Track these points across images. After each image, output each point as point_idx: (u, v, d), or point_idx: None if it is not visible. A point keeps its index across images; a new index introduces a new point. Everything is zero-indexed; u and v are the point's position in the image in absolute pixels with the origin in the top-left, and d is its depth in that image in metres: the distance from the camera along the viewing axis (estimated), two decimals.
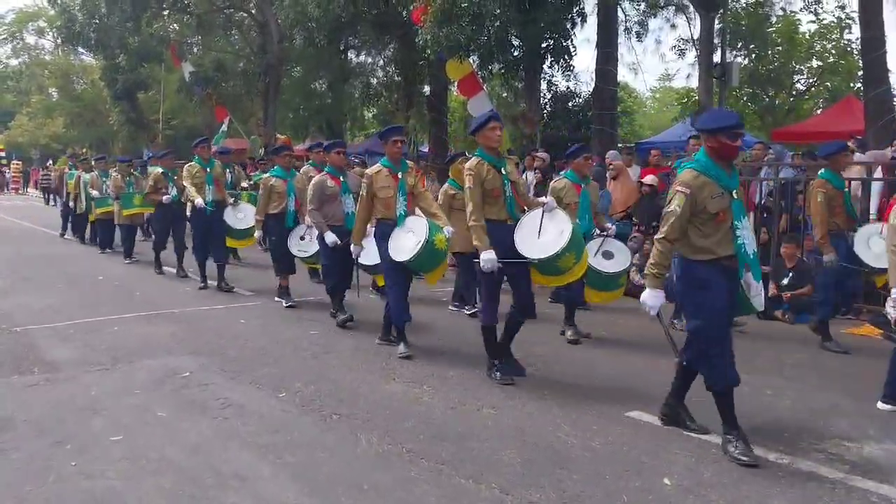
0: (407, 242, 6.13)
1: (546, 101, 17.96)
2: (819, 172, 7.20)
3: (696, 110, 16.32)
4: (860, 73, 16.58)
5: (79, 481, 3.70)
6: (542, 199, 5.69)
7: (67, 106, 44.02)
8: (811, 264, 8.00)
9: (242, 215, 9.66)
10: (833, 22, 21.26)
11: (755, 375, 5.78)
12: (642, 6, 19.15)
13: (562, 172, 7.82)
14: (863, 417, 4.78)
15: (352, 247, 6.65)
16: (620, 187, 10.33)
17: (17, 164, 42.88)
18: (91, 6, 26.14)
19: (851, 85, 20.11)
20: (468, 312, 8.10)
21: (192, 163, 9.56)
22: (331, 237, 7.22)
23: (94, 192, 13.43)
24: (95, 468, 3.85)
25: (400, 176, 6.33)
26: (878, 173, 9.09)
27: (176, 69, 27.96)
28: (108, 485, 3.67)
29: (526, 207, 5.70)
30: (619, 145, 15.64)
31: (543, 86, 17.49)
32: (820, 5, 18.56)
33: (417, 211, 6.49)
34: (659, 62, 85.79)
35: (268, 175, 8.69)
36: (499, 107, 17.83)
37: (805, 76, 24.08)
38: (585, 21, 16.48)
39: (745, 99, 23.30)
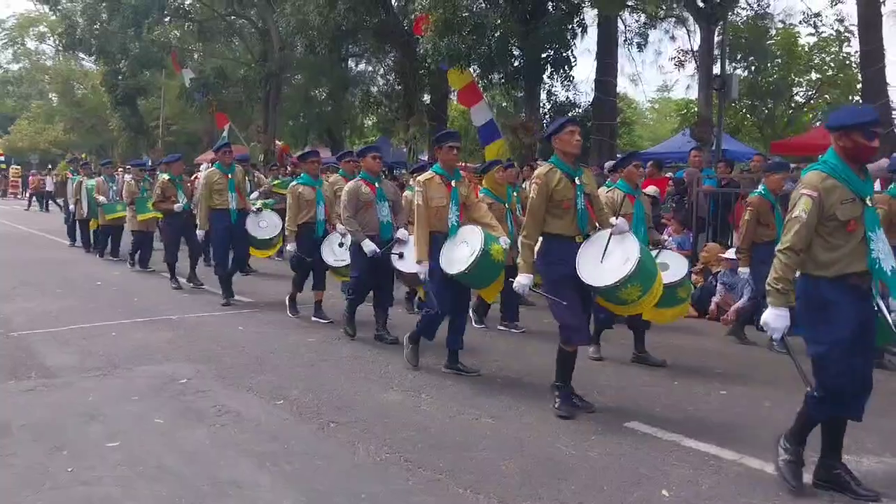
0: (460, 254, 5.70)
1: (546, 111, 18.00)
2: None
3: (694, 122, 16.33)
4: (859, 86, 16.67)
5: (75, 487, 3.69)
6: (613, 219, 5.17)
7: (68, 111, 44.09)
8: None
9: (265, 224, 9.20)
10: (832, 35, 21.34)
11: (754, 387, 5.79)
12: (642, 18, 19.25)
13: (608, 182, 7.65)
14: (861, 431, 4.75)
15: (418, 266, 5.96)
16: None
17: (16, 169, 42.86)
18: (92, 12, 26.23)
19: (850, 98, 20.15)
20: (517, 331, 7.73)
21: (213, 168, 9.14)
22: (370, 246, 6.81)
23: (102, 199, 12.91)
24: (92, 474, 3.83)
25: (453, 184, 5.95)
26: (877, 186, 9.10)
27: (177, 75, 28.03)
28: (105, 491, 3.65)
29: (598, 224, 5.20)
30: (618, 155, 15.69)
31: (543, 96, 17.55)
32: (819, 18, 18.61)
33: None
34: (658, 74, 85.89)
35: (295, 183, 8.11)
36: (498, 116, 17.84)
37: (804, 89, 24.17)
38: (586, 32, 16.59)
39: (744, 111, 23.38)
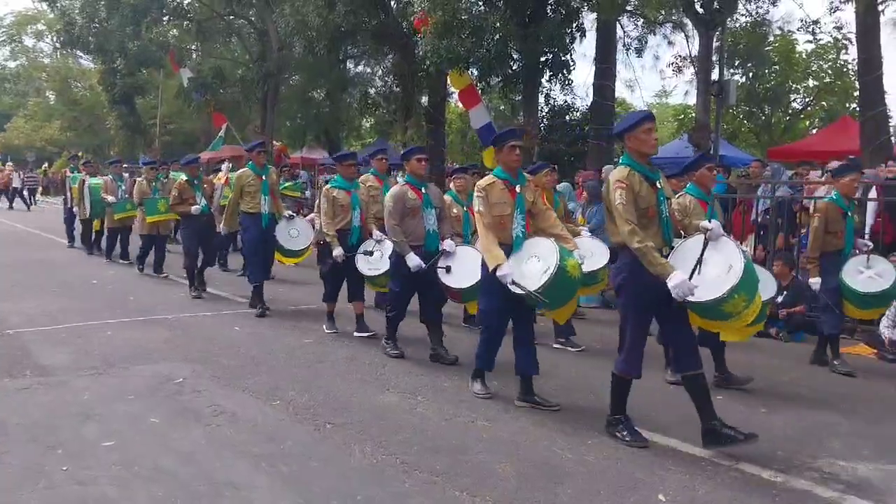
0: (531, 270, 5.00)
1: (544, 114, 18.02)
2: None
3: (692, 127, 16.39)
4: (856, 93, 16.73)
5: (71, 487, 3.67)
6: (705, 223, 4.62)
7: (65, 110, 44.02)
8: (805, 282, 8.01)
9: (296, 233, 8.55)
10: (829, 42, 21.41)
11: (750, 393, 5.79)
12: (641, 23, 19.30)
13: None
14: (857, 437, 4.78)
15: (500, 272, 4.98)
16: None
17: (10, 166, 42.75)
18: (91, 10, 26.24)
19: (847, 105, 20.25)
20: (575, 350, 7.14)
21: (245, 169, 8.53)
22: (414, 260, 6.24)
23: (110, 198, 12.40)
24: (88, 474, 3.82)
25: (518, 190, 5.25)
26: (873, 193, 9.14)
27: (175, 75, 28.02)
28: (100, 491, 3.64)
29: (682, 232, 4.72)
30: (615, 160, 15.72)
31: (541, 99, 17.56)
32: (817, 25, 18.68)
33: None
34: (656, 79, 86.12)
35: (329, 186, 7.46)
36: (497, 119, 17.86)
37: (801, 95, 24.26)
38: (584, 36, 16.62)
39: (741, 117, 23.45)
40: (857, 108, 14.99)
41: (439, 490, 3.78)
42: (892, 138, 12.87)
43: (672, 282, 4.16)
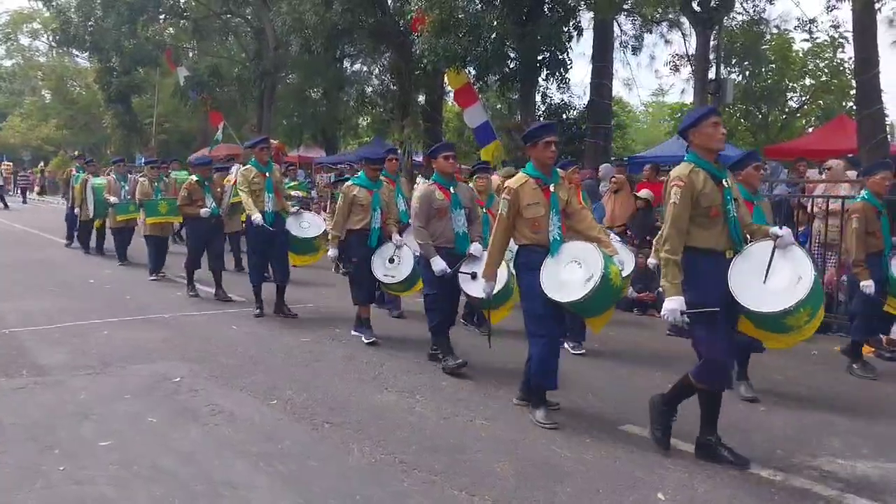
0: (572, 277, 4.70)
1: (541, 113, 18.02)
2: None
3: None
4: (853, 92, 16.73)
5: (68, 487, 3.66)
6: (775, 228, 4.28)
7: (61, 108, 43.93)
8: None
9: (307, 224, 8.37)
10: (826, 41, 21.43)
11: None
12: (638, 22, 19.31)
13: None
14: (856, 435, 4.78)
15: (483, 284, 5.20)
16: (622, 201, 10.36)
17: (7, 165, 42.66)
18: (87, 9, 26.21)
19: (844, 104, 20.27)
20: (577, 352, 6.84)
21: (248, 166, 8.18)
22: (439, 265, 6.00)
23: (113, 199, 12.10)
24: (85, 474, 3.81)
25: (552, 188, 4.90)
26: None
27: (171, 73, 27.99)
28: (98, 491, 3.63)
29: (748, 235, 4.36)
30: (612, 159, 15.73)
31: (538, 98, 17.56)
32: (814, 24, 18.71)
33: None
34: (653, 77, 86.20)
35: (349, 183, 7.18)
36: (493, 118, 17.84)
37: (798, 94, 24.28)
38: (581, 35, 16.60)
39: (738, 115, 23.46)
40: (854, 107, 15.01)
41: (438, 489, 3.77)
42: (889, 136, 12.90)
43: (667, 304, 4.07)
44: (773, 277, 4.10)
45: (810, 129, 23.16)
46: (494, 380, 5.83)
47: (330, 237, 7.18)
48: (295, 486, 3.75)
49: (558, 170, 5.19)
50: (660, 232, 5.64)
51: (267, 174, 8.05)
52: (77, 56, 38.76)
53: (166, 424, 4.61)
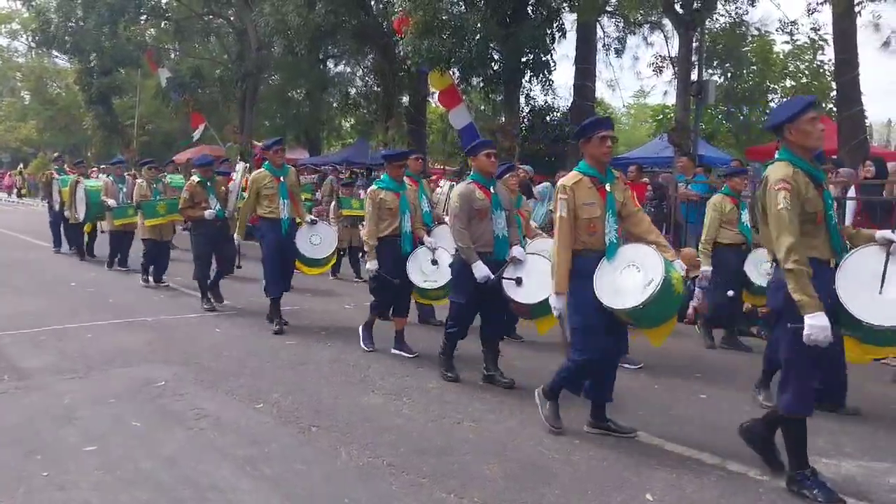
0: (629, 282, 4.35)
1: (524, 115, 18.06)
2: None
3: (671, 127, 16.46)
4: (832, 93, 16.90)
5: (51, 493, 3.61)
6: (886, 232, 3.90)
7: (40, 109, 43.51)
8: None
9: (318, 240, 7.82)
10: (806, 43, 21.61)
11: (734, 391, 5.81)
12: (621, 24, 19.41)
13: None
14: (840, 435, 4.81)
15: (554, 300, 4.58)
16: None
17: None
18: (67, 9, 25.99)
19: (824, 105, 20.42)
20: (634, 367, 6.33)
21: (261, 170, 7.67)
22: (482, 270, 5.49)
23: (111, 201, 11.43)
24: (68, 479, 3.76)
25: (608, 188, 4.55)
26: (852, 192, 9.23)
27: (152, 74, 27.80)
28: (81, 497, 3.58)
29: (847, 242, 3.98)
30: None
31: (522, 100, 17.60)
32: (795, 26, 18.86)
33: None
34: (635, 79, 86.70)
35: (375, 187, 6.68)
36: (477, 119, 17.88)
37: (779, 95, 24.44)
38: (565, 37, 16.69)
39: (720, 117, 23.60)
40: (834, 108, 15.17)
41: (426, 492, 3.75)
42: (868, 137, 13.06)
43: (810, 320, 3.48)
44: (890, 287, 3.75)
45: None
46: (480, 382, 5.82)
47: (366, 248, 6.67)
48: (282, 490, 3.72)
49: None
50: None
51: (281, 178, 7.55)
52: (57, 57, 38.39)
53: (151, 428, 4.57)
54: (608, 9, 17.28)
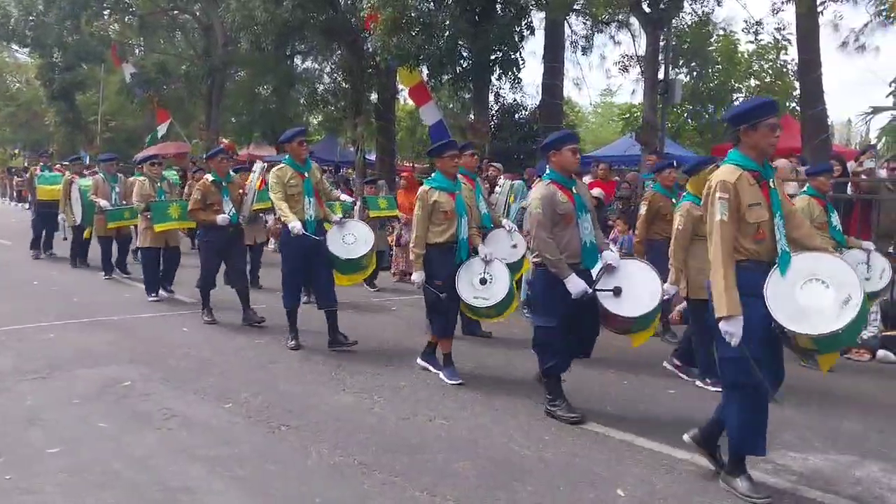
0: (816, 301, 3.55)
1: (494, 112, 18.09)
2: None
3: (639, 126, 16.60)
4: (796, 92, 17.16)
5: (17, 496, 3.54)
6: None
7: (0, 105, 42.59)
8: None
9: (352, 239, 6.70)
10: (770, 43, 21.92)
11: (701, 387, 5.87)
12: (589, 22, 19.52)
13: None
14: (808, 429, 4.89)
15: (727, 325, 3.60)
16: None
17: None
18: (27, 3, 25.45)
19: (787, 104, 20.73)
20: (702, 383, 5.84)
21: (283, 165, 6.68)
22: (578, 286, 4.71)
23: (104, 203, 10.15)
24: (33, 482, 3.68)
25: (771, 185, 3.79)
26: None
27: (116, 70, 27.33)
28: (47, 500, 3.51)
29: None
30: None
31: (491, 97, 17.63)
32: (760, 26, 19.12)
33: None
34: (602, 78, 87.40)
35: (427, 187, 5.87)
36: (447, 117, 17.87)
37: (744, 94, 24.77)
38: (533, 34, 16.73)
39: (685, 116, 23.86)
40: (798, 107, 15.40)
41: (399, 490, 3.74)
42: (831, 136, 13.29)
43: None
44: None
45: None
46: (473, 383, 5.78)
47: (413, 257, 5.93)
48: (253, 490, 3.69)
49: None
50: None
51: (305, 174, 6.65)
52: (17, 51, 37.65)
53: (118, 429, 4.49)
54: (576, 7, 17.34)
